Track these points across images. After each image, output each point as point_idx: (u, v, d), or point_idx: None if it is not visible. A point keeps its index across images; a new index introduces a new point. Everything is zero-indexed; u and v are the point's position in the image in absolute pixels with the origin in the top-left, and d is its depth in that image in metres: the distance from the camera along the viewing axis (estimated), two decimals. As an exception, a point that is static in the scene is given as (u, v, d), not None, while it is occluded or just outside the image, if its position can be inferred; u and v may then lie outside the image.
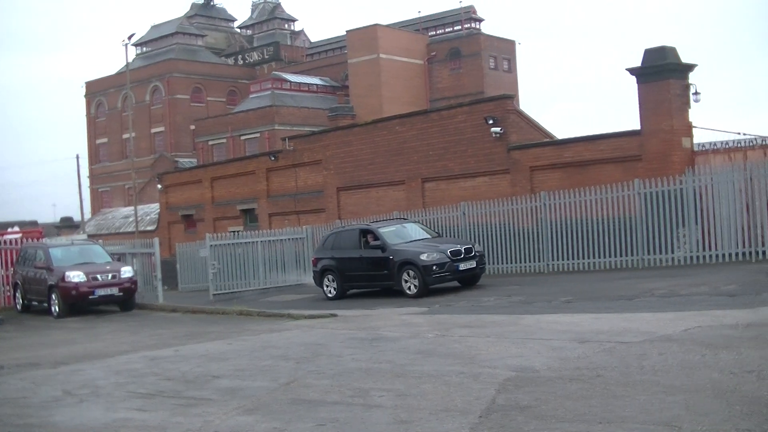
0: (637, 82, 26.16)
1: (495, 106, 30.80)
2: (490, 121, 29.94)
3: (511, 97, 32.46)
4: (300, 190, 38.20)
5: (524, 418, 7.93)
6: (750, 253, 22.87)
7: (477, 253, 24.12)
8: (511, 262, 28.03)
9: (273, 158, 39.79)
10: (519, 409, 8.30)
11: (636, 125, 26.39)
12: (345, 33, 75.46)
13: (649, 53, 25.89)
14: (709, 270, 21.55)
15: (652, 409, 7.77)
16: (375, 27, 71.71)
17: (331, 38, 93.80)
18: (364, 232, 25.85)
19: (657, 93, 25.65)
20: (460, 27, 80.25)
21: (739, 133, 26.50)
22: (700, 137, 27.11)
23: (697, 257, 23.90)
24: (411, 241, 24.77)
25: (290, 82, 76.77)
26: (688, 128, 25.97)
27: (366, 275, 25.39)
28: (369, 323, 17.24)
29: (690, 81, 26.14)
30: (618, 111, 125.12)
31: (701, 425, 7.06)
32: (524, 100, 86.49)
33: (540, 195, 27.15)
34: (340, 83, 78.61)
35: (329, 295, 26.14)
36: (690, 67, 26.14)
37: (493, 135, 29.93)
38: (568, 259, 26.64)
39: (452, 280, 23.85)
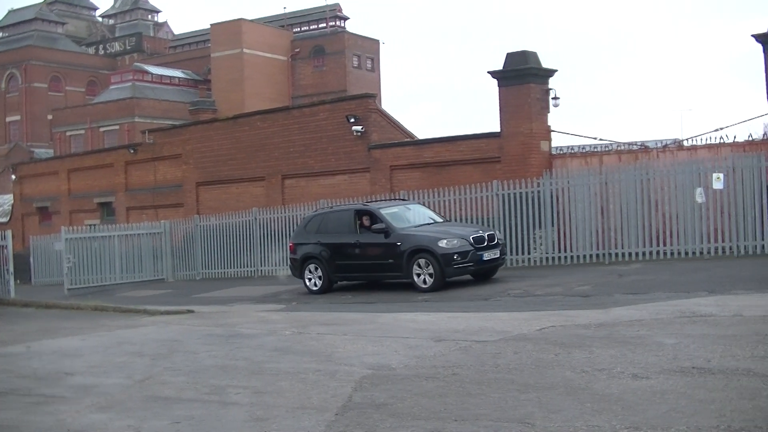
0: (498, 86, 26.50)
1: (357, 105, 30.86)
2: (352, 120, 29.95)
3: (373, 96, 32.58)
4: (159, 184, 37.55)
5: (380, 416, 7.93)
6: (604, 255, 23.46)
7: (500, 241, 21.22)
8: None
9: (132, 151, 39.04)
10: (375, 407, 8.29)
11: (496, 128, 26.74)
12: (209, 26, 74.66)
13: (510, 57, 26.26)
14: (564, 271, 22.01)
15: (506, 407, 7.85)
16: (239, 21, 71.19)
17: (195, 31, 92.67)
18: (360, 214, 22.00)
19: (517, 96, 26.04)
20: (324, 25, 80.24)
21: (595, 138, 27.12)
22: (558, 141, 27.78)
23: (553, 258, 24.40)
24: (420, 225, 21.51)
25: (152, 74, 75.60)
26: (546, 132, 26.44)
27: (363, 265, 21.76)
28: (226, 320, 17.05)
29: (550, 86, 26.62)
30: (479, 113, 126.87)
31: (553, 422, 7.17)
32: (386, 100, 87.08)
33: (399, 194, 27.28)
34: (202, 77, 77.77)
35: (312, 288, 22.56)
36: (550, 72, 26.61)
37: (355, 133, 29.96)
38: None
39: (474, 271, 20.65)
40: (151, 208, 37.74)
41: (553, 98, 26.60)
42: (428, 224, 21.63)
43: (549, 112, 26.60)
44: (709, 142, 23.80)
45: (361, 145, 30.14)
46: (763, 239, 21.29)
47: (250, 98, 66.69)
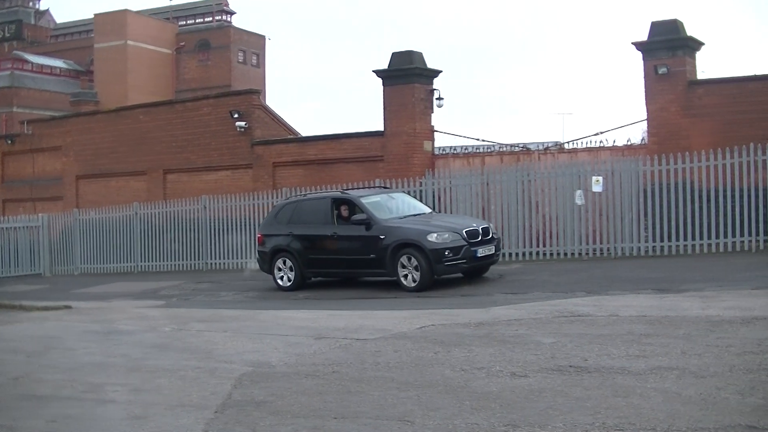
0: (383, 85, 26.59)
1: (241, 101, 30.60)
2: (236, 115, 29.69)
3: (258, 92, 32.43)
4: (37, 176, 36.63)
5: (260, 414, 7.87)
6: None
7: (495, 236, 19.35)
8: (252, 257, 27.83)
9: (10, 142, 38.00)
10: (255, 405, 8.23)
11: (381, 127, 26.82)
12: (93, 16, 73.19)
13: (396, 56, 26.37)
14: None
15: (385, 405, 7.87)
16: (124, 12, 69.93)
17: (78, 21, 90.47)
18: (338, 203, 19.94)
19: (401, 96, 26.17)
20: (210, 19, 79.47)
21: (478, 140, 27.37)
22: (441, 141, 27.89)
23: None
24: (406, 217, 19.53)
25: (32, 63, 73.66)
26: (430, 132, 26.64)
27: (341, 260, 19.60)
28: (105, 316, 16.73)
29: (434, 86, 26.82)
30: (364, 112, 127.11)
31: (433, 420, 7.21)
32: (271, 96, 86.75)
33: (282, 191, 27.18)
34: (85, 68, 76.10)
35: (282, 283, 20.43)
36: (435, 73, 26.81)
37: (238, 129, 29.70)
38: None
39: (467, 269, 18.74)
40: (29, 200, 36.79)
41: (437, 98, 26.78)
42: (414, 215, 19.77)
43: (433, 112, 26.81)
44: (589, 145, 24.27)
45: (244, 142, 29.89)
46: (639, 241, 21.78)
47: (133, 91, 65.58)
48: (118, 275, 29.22)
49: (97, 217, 31.17)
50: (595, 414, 6.98)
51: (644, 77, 23.29)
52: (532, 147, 26.84)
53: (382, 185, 23.71)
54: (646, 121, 23.55)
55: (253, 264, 24.14)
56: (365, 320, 13.65)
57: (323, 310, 15.74)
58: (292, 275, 20.29)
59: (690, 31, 23.20)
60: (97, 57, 70.67)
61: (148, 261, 29.78)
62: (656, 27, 23.12)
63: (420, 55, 26.46)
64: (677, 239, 21.40)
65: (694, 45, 23.34)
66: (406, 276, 18.18)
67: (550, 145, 26.75)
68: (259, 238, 21.56)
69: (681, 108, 22.77)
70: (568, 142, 25.77)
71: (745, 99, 22.22)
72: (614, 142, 24.23)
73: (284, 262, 20.38)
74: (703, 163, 21.26)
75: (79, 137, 34.98)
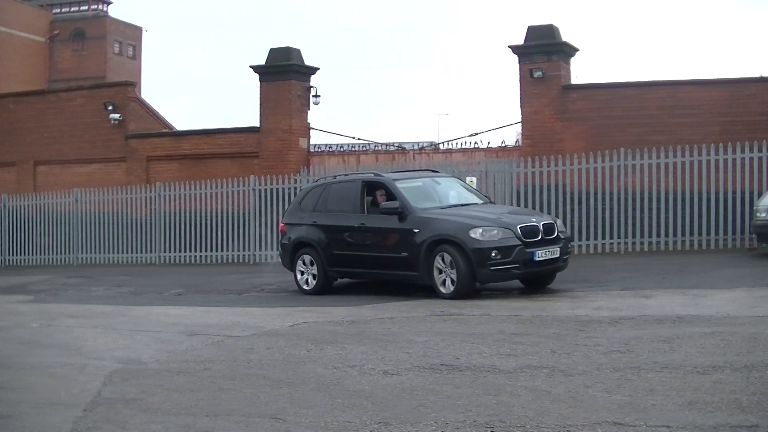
0: (260, 81, 26.53)
1: (116, 93, 30.09)
2: (110, 107, 29.17)
3: (133, 85, 32.01)
4: None
5: (130, 411, 7.74)
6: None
7: (561, 235, 15.10)
8: (124, 252, 27.46)
9: None
10: (125, 402, 8.09)
11: (257, 123, 26.70)
12: (-40, 1, 71.09)
13: (273, 53, 26.29)
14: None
15: (258, 402, 7.82)
16: (-5, -3, 68.10)
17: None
18: (372, 187, 16.34)
19: (278, 92, 26.13)
20: (86, 8, 77.78)
21: (354, 138, 27.49)
22: (317, 139, 27.94)
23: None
24: (449, 207, 15.73)
25: None
26: (305, 129, 26.69)
27: (368, 258, 15.87)
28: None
29: (311, 83, 26.82)
30: (242, 108, 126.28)
31: (304, 417, 7.19)
32: (147, 89, 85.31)
33: (156, 185, 26.84)
34: (-48, 54, 73.93)
35: (304, 285, 16.77)
36: (312, 70, 26.84)
37: (112, 122, 29.18)
38: (181, 252, 26.52)
39: (520, 276, 14.87)
40: None
41: (314, 96, 26.86)
42: (461, 205, 15.94)
43: (309, 110, 26.91)
44: (464, 146, 24.58)
45: (118, 134, 29.39)
46: (510, 242, 22.08)
47: (4, 79, 63.69)
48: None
49: (-38, 209, 30.27)
50: (467, 412, 7.05)
51: (520, 80, 23.68)
52: (407, 146, 27.07)
53: (432, 169, 19.60)
54: (520, 124, 23.93)
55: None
56: (238, 317, 13.57)
57: (197, 306, 15.58)
58: (314, 276, 16.69)
59: (566, 36, 23.71)
60: (-35, 43, 68.65)
61: (17, 255, 29.11)
62: (533, 31, 23.53)
63: (298, 51, 26.42)
64: (548, 240, 21.77)
65: (569, 50, 23.84)
66: (443, 282, 14.45)
67: (425, 145, 26.99)
68: (281, 227, 18.18)
69: (555, 111, 23.24)
70: (443, 143, 26.04)
71: (617, 104, 22.81)
72: (489, 143, 24.60)
73: (307, 259, 16.78)
74: (575, 166, 21.70)
75: (-55, 126, 33.88)
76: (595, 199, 21.35)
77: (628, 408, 6.87)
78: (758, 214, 17.93)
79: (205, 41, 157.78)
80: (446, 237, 14.39)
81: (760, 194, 19.11)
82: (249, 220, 25.28)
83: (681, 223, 20.96)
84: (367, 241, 15.90)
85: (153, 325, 13.18)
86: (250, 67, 26.46)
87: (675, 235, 20.97)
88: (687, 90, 22.55)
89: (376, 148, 26.76)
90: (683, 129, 22.04)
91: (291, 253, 17.13)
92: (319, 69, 26.93)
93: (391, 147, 26.87)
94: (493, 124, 39.27)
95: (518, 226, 14.28)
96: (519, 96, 23.78)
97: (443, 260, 14.34)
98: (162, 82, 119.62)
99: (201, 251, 26.22)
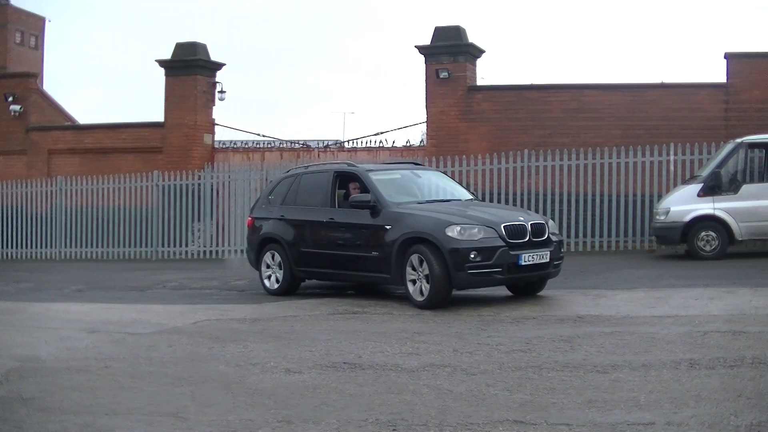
0: (166, 75, 26.34)
1: (17, 83, 29.54)
2: (10, 99, 28.63)
3: (35, 76, 31.51)
4: None
5: (28, 411, 7.59)
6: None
7: (553, 238, 13.24)
8: (23, 247, 26.97)
9: None
10: (22, 401, 7.92)
11: (162, 118, 26.47)
12: None
13: (179, 47, 26.12)
14: (222, 265, 22.05)
15: (159, 401, 7.74)
16: None
17: None
18: (344, 179, 14.74)
19: (183, 87, 25.97)
20: (-13, -4, 76.10)
21: (259, 135, 27.40)
22: (221, 135, 27.78)
23: (211, 252, 24.45)
24: (428, 202, 14.08)
25: None
26: (210, 125, 26.59)
27: (337, 257, 14.17)
28: None
29: (217, 79, 26.68)
30: (148, 102, 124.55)
31: (207, 416, 7.14)
32: (50, 81, 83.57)
33: (57, 180, 26.42)
34: None
35: (269, 285, 15.32)
36: (218, 66, 26.73)
37: (12, 113, 28.65)
38: (83, 247, 26.14)
39: (503, 282, 12.99)
40: None
41: (219, 92, 26.73)
42: (442, 201, 14.40)
43: (214, 105, 26.77)
44: (369, 145, 24.66)
45: (18, 126, 28.86)
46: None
47: None
48: None
49: None
50: (369, 410, 7.07)
51: (426, 80, 23.85)
52: (312, 144, 27.07)
53: (415, 162, 18.10)
54: (426, 124, 24.07)
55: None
56: (140, 314, 13.40)
57: (98, 303, 15.33)
58: (280, 275, 15.21)
59: (472, 38, 23.94)
60: None
61: None
62: (440, 32, 23.70)
63: (204, 47, 26.28)
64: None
65: (476, 52, 24.08)
66: (415, 282, 12.76)
67: (330, 143, 26.99)
68: (249, 222, 16.58)
69: (460, 112, 23.45)
70: (348, 141, 26.09)
71: (521, 107, 23.11)
72: (394, 142, 24.77)
73: (273, 257, 15.30)
74: (479, 166, 21.93)
75: None
76: (499, 200, 21.55)
77: (529, 406, 6.96)
78: (657, 217, 18.36)
79: (112, 34, 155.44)
80: (420, 235, 12.71)
81: (659, 197, 19.53)
82: (152, 216, 25.04)
83: (583, 225, 21.33)
84: (336, 239, 14.27)
85: (53, 322, 12.95)
86: (156, 61, 26.24)
87: (577, 236, 21.32)
88: (590, 94, 22.95)
89: (282, 146, 26.72)
90: (586, 132, 22.45)
91: (256, 250, 15.68)
92: (225, 65, 26.86)
93: (297, 144, 26.84)
94: (399, 123, 39.34)
95: (502, 225, 12.59)
96: (425, 96, 23.94)
97: (417, 263, 12.64)
98: (66, 74, 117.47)
99: (103, 247, 25.87)
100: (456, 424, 6.59)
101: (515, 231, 12.60)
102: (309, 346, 9.96)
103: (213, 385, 8.26)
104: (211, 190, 24.64)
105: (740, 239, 17.74)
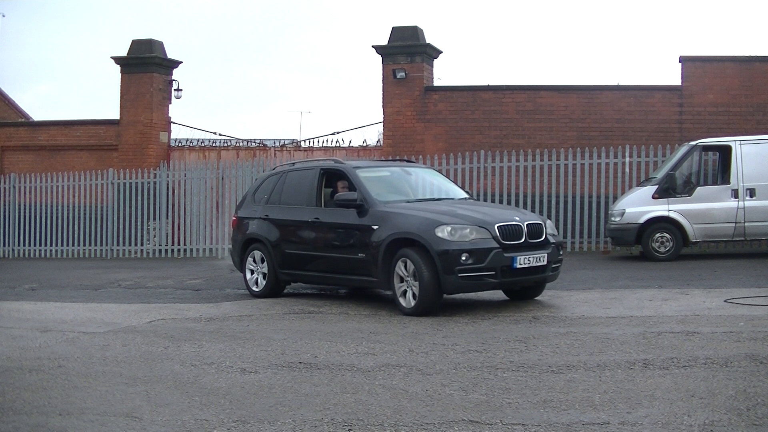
0: (121, 72, 26.18)
1: (-31, 80, 29.24)
2: (-38, 95, 28.36)
3: (-13, 72, 31.14)
4: None
5: (-23, 410, 7.51)
6: (217, 249, 23.63)
7: (551, 239, 12.62)
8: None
9: None
10: (-28, 401, 7.84)
11: (118, 115, 26.32)
12: None
13: (136, 44, 25.99)
14: (177, 264, 21.95)
15: (113, 400, 7.68)
16: None
17: None
18: (332, 177, 14.12)
19: (139, 85, 25.83)
20: (-64, -9, 75.24)
21: (215, 133, 27.31)
22: (177, 133, 27.63)
23: (166, 250, 24.34)
24: (419, 201, 13.46)
25: None
26: (166, 123, 26.44)
27: (322, 259, 13.64)
28: None
29: (174, 77, 26.56)
30: (104, 99, 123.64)
31: (161, 415, 7.09)
32: (3, 77, 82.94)
33: (10, 176, 26.17)
34: None
35: (253, 287, 14.75)
36: (175, 63, 26.60)
37: (-36, 110, 28.37)
38: (36, 245, 25.92)
39: (496, 286, 12.28)
40: None
41: (175, 89, 26.60)
42: (433, 200, 13.71)
43: (171, 103, 26.63)
44: (325, 144, 24.67)
45: (-31, 123, 28.55)
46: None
47: None
48: None
49: None
50: (324, 410, 7.06)
51: (382, 80, 23.88)
52: (269, 143, 27.00)
53: (407, 159, 18.05)
54: (382, 124, 24.09)
55: None
56: (94, 313, 13.32)
57: (51, 301, 15.20)
58: (264, 277, 14.62)
59: (429, 38, 23.99)
60: None
61: None
62: (397, 32, 23.74)
63: (160, 44, 26.14)
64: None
65: (432, 52, 24.15)
66: (404, 292, 12.06)
67: (287, 142, 26.94)
68: (233, 221, 15.97)
69: (416, 112, 23.49)
70: (305, 140, 26.06)
71: (477, 107, 23.19)
72: (350, 142, 24.81)
73: (258, 256, 14.71)
74: (435, 167, 21.89)
75: None
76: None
77: (484, 406, 6.98)
78: (612, 218, 18.50)
79: (67, 30, 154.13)
80: (408, 235, 12.01)
81: (614, 199, 19.67)
82: (107, 214, 24.88)
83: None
84: (321, 240, 13.63)
85: (4, 321, 12.82)
86: (112, 58, 26.04)
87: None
88: (545, 95, 23.06)
89: (238, 144, 26.64)
90: (541, 133, 22.60)
91: (240, 250, 15.09)
92: (181, 62, 26.71)
93: (253, 143, 26.77)
94: (356, 123, 39.43)
95: (496, 226, 11.88)
96: (381, 96, 23.97)
97: (405, 266, 11.96)
98: (19, 70, 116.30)
99: (57, 245, 25.67)
100: (411, 424, 6.60)
101: (510, 232, 11.95)
102: (264, 345, 9.94)
103: (167, 384, 8.22)
104: (167, 188, 24.55)
105: (694, 241, 17.93)
